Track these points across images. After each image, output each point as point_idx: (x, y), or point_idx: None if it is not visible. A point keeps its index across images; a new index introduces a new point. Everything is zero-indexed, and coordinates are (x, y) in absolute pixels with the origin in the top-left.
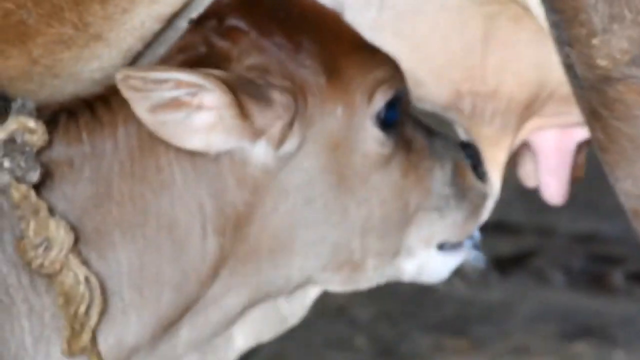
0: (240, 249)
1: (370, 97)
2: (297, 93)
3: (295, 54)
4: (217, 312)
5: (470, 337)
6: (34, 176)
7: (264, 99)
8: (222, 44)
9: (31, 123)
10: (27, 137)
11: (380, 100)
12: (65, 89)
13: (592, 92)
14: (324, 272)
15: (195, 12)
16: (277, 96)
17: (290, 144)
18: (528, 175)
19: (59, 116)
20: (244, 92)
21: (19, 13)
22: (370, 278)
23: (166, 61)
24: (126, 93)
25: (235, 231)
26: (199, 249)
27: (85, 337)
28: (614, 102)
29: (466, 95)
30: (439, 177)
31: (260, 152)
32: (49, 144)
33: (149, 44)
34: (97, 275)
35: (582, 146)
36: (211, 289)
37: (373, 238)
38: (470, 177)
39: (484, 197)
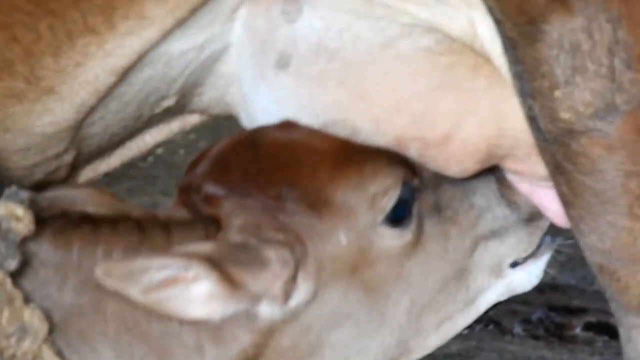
0: None
1: (373, 210)
2: (294, 243)
3: (279, 208)
4: None
5: None
6: (12, 264)
7: (257, 263)
8: (208, 210)
9: (19, 211)
10: (13, 224)
11: (384, 209)
12: (15, 143)
13: (556, 145)
14: None
15: (149, 67)
16: (273, 254)
17: (300, 294)
18: None
19: (58, 219)
20: (233, 262)
21: None
22: (439, 342)
23: (153, 222)
24: (112, 285)
25: None
26: None
27: None
28: (578, 155)
29: (411, 141)
30: (484, 207)
31: (266, 311)
32: (37, 237)
33: (102, 98)
34: None
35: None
36: None
37: (428, 316)
38: (514, 193)
39: (535, 208)
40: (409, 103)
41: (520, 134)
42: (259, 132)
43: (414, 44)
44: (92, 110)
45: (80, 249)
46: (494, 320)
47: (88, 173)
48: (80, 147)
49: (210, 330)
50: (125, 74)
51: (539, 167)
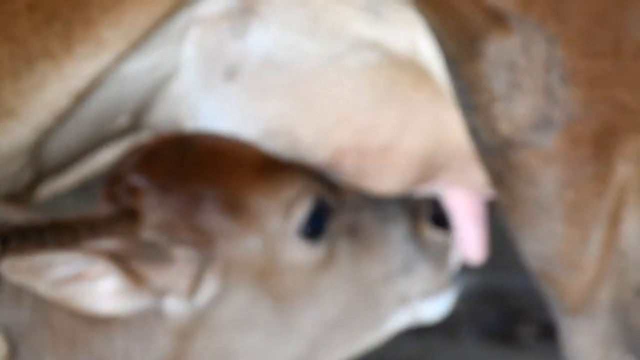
0: None
1: (285, 218)
2: (203, 243)
3: (197, 204)
4: None
5: None
6: None
7: (162, 260)
8: (129, 201)
9: None
10: None
11: (296, 219)
12: None
13: (497, 156)
14: None
15: (104, 89)
16: (179, 252)
17: (206, 292)
18: None
19: (10, 237)
20: (139, 258)
21: None
22: (346, 356)
23: (94, 216)
24: (18, 279)
25: None
26: None
27: None
28: (518, 166)
29: (349, 153)
30: (395, 242)
31: (172, 307)
32: None
33: (59, 119)
34: None
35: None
36: None
37: (338, 333)
38: (428, 230)
39: (446, 245)
40: (352, 115)
41: (458, 145)
42: (192, 134)
43: (358, 60)
44: (49, 131)
45: None
46: (447, 325)
47: (44, 191)
48: (37, 166)
49: (135, 333)
50: (81, 96)
51: (475, 177)
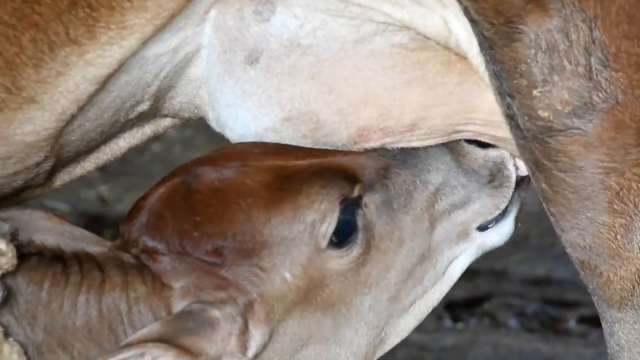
0: None
1: (314, 238)
2: (237, 295)
3: (217, 261)
4: None
5: None
6: None
7: (206, 326)
8: (148, 261)
9: (2, 245)
10: None
11: (326, 236)
12: None
13: (535, 143)
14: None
15: (126, 74)
16: (218, 313)
17: (256, 341)
18: None
19: (35, 255)
20: (184, 332)
21: None
22: (428, 306)
23: (111, 264)
24: None
25: None
26: None
27: None
28: (557, 153)
29: (373, 132)
30: (440, 182)
31: None
32: (16, 273)
33: (82, 106)
34: None
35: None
36: None
37: (396, 304)
38: (476, 151)
39: (501, 158)
40: (378, 96)
41: (488, 120)
42: (192, 177)
43: (387, 41)
44: (71, 118)
45: (50, 288)
46: (489, 313)
47: (64, 177)
48: (58, 154)
49: None
50: (105, 83)
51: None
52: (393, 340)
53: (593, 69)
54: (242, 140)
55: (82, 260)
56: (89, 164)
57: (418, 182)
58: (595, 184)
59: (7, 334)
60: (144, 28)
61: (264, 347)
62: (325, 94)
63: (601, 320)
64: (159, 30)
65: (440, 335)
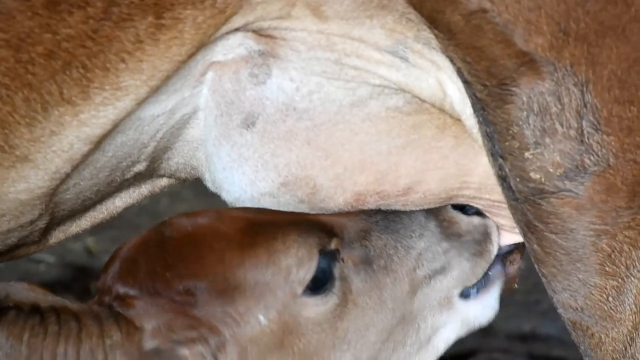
0: None
1: (289, 283)
2: (208, 336)
3: (189, 302)
4: None
5: None
6: None
7: None
8: (122, 309)
9: None
10: None
11: (303, 282)
12: None
13: (527, 205)
14: None
15: (122, 134)
16: (187, 352)
17: None
18: None
19: (12, 309)
20: None
21: None
22: None
23: (87, 314)
24: None
25: None
26: None
27: None
28: (549, 215)
29: (369, 196)
30: (422, 248)
31: None
32: None
33: (76, 165)
34: None
35: (514, 259)
36: None
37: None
38: (463, 222)
39: (484, 227)
40: (374, 161)
41: (482, 186)
42: (166, 225)
43: (383, 104)
44: (66, 177)
45: (29, 340)
46: None
47: (59, 235)
48: (53, 212)
49: None
50: (99, 143)
51: (499, 220)
52: None
53: (585, 132)
54: (239, 204)
55: (59, 311)
56: (85, 222)
57: (399, 246)
58: (587, 246)
59: None
60: (139, 89)
61: None
62: (322, 159)
63: None
64: (155, 91)
65: None
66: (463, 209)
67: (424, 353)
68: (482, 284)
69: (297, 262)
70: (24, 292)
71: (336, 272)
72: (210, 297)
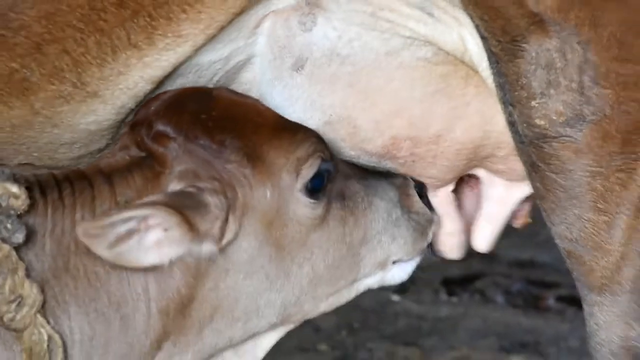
0: (183, 323)
1: (296, 174)
2: (227, 190)
3: (220, 153)
4: None
5: (421, 348)
6: (20, 237)
7: (202, 207)
8: (155, 148)
9: (14, 188)
10: (12, 201)
11: (305, 176)
12: (62, 137)
13: (532, 147)
14: (273, 327)
15: (182, 77)
16: (210, 199)
17: (229, 235)
18: (451, 243)
19: (32, 190)
20: (184, 207)
21: (23, 72)
22: (325, 309)
23: (110, 157)
24: (87, 242)
25: (179, 310)
26: (144, 326)
27: None
28: (551, 157)
29: (404, 141)
30: (382, 208)
31: (206, 250)
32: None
33: (139, 102)
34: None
35: (527, 199)
36: (156, 358)
37: (323, 286)
38: (417, 202)
39: (430, 219)
40: (407, 107)
41: (502, 137)
42: (217, 88)
43: (414, 55)
44: (130, 112)
45: (52, 215)
46: (480, 290)
47: None
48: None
49: (153, 274)
50: (161, 83)
51: (517, 167)
52: (308, 315)
53: (585, 85)
54: None
55: (73, 180)
56: None
57: (366, 199)
58: (583, 185)
59: (28, 272)
60: (197, 37)
61: (226, 246)
62: (362, 101)
63: (582, 303)
64: (212, 40)
65: (436, 307)
66: (421, 192)
67: (350, 290)
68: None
69: (306, 157)
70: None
71: (327, 187)
72: (237, 156)
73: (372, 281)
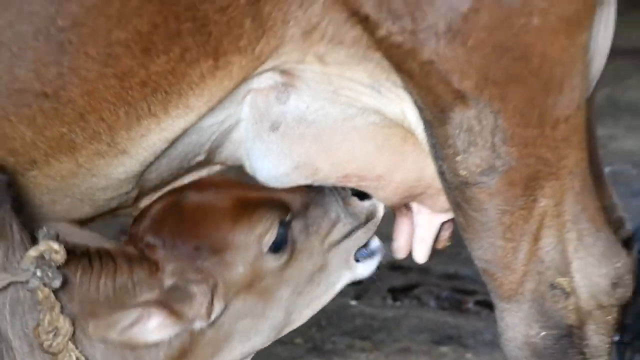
0: None
1: (259, 245)
2: (208, 278)
3: (197, 255)
4: None
5: (372, 341)
6: (57, 283)
7: (188, 297)
8: (148, 254)
9: (56, 246)
10: (53, 255)
11: (267, 243)
12: (99, 184)
13: (457, 191)
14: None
15: (188, 137)
16: (196, 289)
17: (217, 310)
18: (398, 247)
19: (69, 253)
20: (173, 299)
21: (70, 135)
22: (310, 313)
23: (121, 256)
24: (100, 335)
25: (183, 355)
26: None
27: None
28: (471, 199)
29: (353, 177)
30: (335, 219)
31: (197, 326)
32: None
33: (157, 157)
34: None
35: (446, 225)
36: None
37: (302, 299)
38: (357, 203)
39: (374, 207)
40: (358, 156)
41: (432, 182)
42: (182, 197)
43: (365, 120)
44: (150, 164)
45: (81, 276)
46: (417, 296)
47: (145, 201)
48: (141, 187)
49: None
50: (173, 143)
51: (441, 203)
52: (296, 323)
53: (496, 144)
54: (268, 181)
55: (102, 254)
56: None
57: (325, 217)
58: (495, 220)
59: (62, 309)
60: (201, 108)
61: (219, 316)
62: (323, 152)
63: (495, 309)
64: (211, 109)
65: (384, 310)
66: (359, 195)
67: (327, 294)
68: (368, 254)
69: (265, 231)
70: (77, 233)
71: (289, 237)
72: (210, 253)
73: (345, 280)
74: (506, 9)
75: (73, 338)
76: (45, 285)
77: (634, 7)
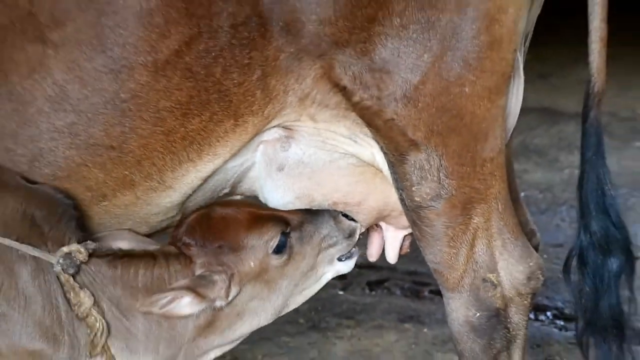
0: (210, 330)
1: (266, 248)
2: (227, 270)
3: (220, 252)
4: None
5: (355, 320)
6: (71, 271)
7: (212, 283)
8: (185, 250)
9: (82, 249)
10: (77, 255)
11: (272, 247)
12: (152, 211)
13: (413, 212)
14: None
15: (216, 175)
16: (218, 277)
17: (233, 292)
18: (372, 253)
19: (112, 253)
20: (200, 285)
21: (130, 175)
22: (303, 300)
23: (160, 255)
24: (146, 309)
25: (207, 324)
26: (185, 331)
27: (99, 346)
28: (423, 218)
29: (339, 204)
30: (325, 234)
31: (218, 304)
32: (99, 260)
33: (195, 190)
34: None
35: (407, 237)
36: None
37: (299, 287)
38: (345, 221)
39: (355, 227)
40: (342, 188)
41: (395, 206)
42: (211, 210)
43: (346, 162)
44: (189, 196)
45: (121, 268)
46: (387, 287)
47: None
48: (183, 212)
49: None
50: (205, 180)
51: (404, 222)
52: (292, 306)
53: (441, 179)
54: (276, 207)
55: (145, 254)
56: None
57: (316, 232)
58: (441, 233)
59: (81, 286)
60: (226, 155)
61: (234, 298)
62: (316, 186)
63: (443, 296)
64: (233, 155)
65: (363, 297)
66: (347, 215)
67: (316, 285)
68: (349, 256)
69: (270, 238)
70: (126, 238)
71: (288, 244)
72: (229, 251)
73: (329, 275)
74: (445, 81)
75: (95, 305)
76: (64, 272)
77: (539, 77)
